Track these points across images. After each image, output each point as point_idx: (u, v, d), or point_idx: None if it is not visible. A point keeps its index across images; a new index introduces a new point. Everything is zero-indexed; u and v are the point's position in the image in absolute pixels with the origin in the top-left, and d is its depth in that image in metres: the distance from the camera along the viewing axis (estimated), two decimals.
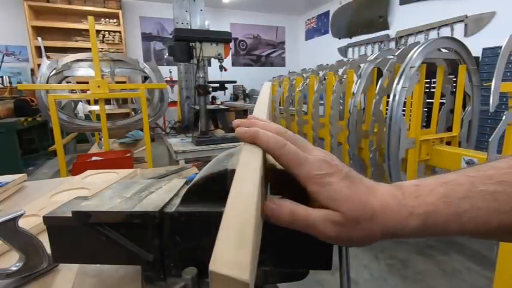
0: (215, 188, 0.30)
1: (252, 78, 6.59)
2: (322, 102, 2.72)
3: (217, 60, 2.03)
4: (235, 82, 3.37)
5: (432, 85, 2.82)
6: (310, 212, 0.25)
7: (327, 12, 6.20)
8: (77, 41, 5.15)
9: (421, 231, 0.25)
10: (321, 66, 2.87)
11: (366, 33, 5.22)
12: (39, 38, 3.08)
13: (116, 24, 5.33)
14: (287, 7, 6.53)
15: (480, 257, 1.75)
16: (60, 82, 2.42)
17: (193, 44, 1.92)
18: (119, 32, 5.36)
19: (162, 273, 0.34)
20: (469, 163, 1.61)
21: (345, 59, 2.72)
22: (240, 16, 6.65)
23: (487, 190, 0.25)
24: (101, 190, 0.42)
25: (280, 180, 0.30)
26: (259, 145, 0.26)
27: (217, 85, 2.50)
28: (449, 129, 2.07)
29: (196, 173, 0.40)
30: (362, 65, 2.18)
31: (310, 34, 6.93)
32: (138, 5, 5.77)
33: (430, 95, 2.36)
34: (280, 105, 3.39)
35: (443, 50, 1.91)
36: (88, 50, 2.32)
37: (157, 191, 0.39)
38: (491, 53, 3.16)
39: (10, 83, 4.48)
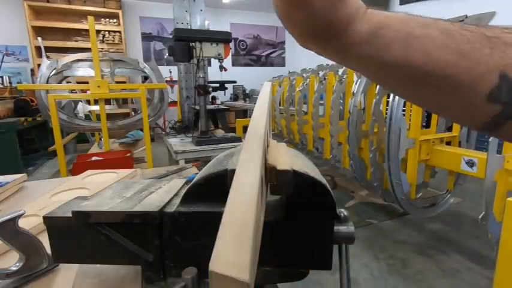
0: (215, 188, 0.30)
1: (252, 78, 6.59)
2: (322, 102, 2.72)
3: (217, 60, 2.03)
4: (235, 82, 3.37)
5: None
6: None
7: None
8: (77, 41, 5.15)
9: (365, 41, 0.24)
10: (321, 66, 2.86)
11: None
12: (39, 38, 3.08)
13: (116, 24, 5.33)
14: None
15: (480, 256, 1.75)
16: (60, 82, 2.42)
17: (193, 44, 1.92)
18: (119, 32, 5.35)
19: (162, 273, 0.34)
20: (469, 163, 1.61)
21: None
22: (240, 16, 6.65)
23: (448, 28, 0.24)
24: (101, 190, 0.42)
25: (280, 180, 0.30)
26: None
27: (217, 85, 2.50)
28: (449, 129, 2.07)
29: (196, 173, 0.40)
30: None
31: None
32: (138, 5, 5.77)
33: None
34: (280, 105, 3.38)
35: None
36: (88, 50, 2.32)
37: (157, 191, 0.39)
38: None
39: (10, 83, 4.48)
